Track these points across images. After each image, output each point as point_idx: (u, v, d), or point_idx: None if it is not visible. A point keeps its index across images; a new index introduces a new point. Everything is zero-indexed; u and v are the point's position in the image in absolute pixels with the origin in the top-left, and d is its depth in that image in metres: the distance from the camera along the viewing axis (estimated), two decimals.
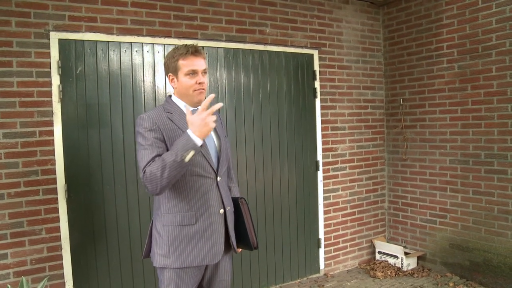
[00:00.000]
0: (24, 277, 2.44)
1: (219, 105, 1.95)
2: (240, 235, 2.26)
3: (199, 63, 2.08)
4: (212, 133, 2.20)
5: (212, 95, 1.95)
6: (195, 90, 2.09)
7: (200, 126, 1.88)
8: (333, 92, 4.54)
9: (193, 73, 2.07)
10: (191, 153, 1.87)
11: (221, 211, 2.14)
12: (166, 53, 3.53)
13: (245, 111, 3.97)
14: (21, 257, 3.06)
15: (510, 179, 3.81)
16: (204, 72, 2.11)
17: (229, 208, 2.21)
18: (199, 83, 2.08)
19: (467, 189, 4.16)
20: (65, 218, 3.20)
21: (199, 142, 1.89)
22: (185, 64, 2.06)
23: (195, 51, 2.08)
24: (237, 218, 2.27)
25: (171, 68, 2.12)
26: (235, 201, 2.28)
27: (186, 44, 2.11)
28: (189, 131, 1.90)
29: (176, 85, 2.14)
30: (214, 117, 1.93)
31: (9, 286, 2.41)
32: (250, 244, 2.24)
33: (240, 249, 2.34)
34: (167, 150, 2.00)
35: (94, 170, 3.31)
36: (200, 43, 3.70)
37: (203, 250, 2.07)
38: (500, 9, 3.78)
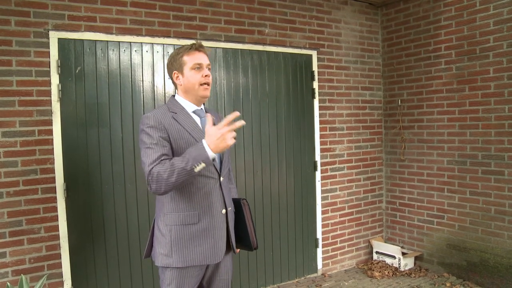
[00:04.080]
0: (23, 275, 2.45)
1: (241, 122, 1.92)
2: (240, 235, 2.27)
3: (204, 58, 2.13)
4: None
5: (237, 113, 1.92)
6: (201, 85, 2.10)
7: (218, 140, 1.86)
8: (331, 93, 4.55)
9: (199, 67, 2.10)
10: (202, 165, 1.86)
11: (223, 211, 2.15)
12: (165, 53, 3.55)
13: (243, 111, 3.98)
14: (19, 256, 3.06)
15: (507, 180, 3.83)
16: (209, 66, 2.15)
17: (230, 208, 2.22)
18: (205, 75, 2.10)
19: (464, 189, 4.18)
20: (64, 217, 3.21)
21: (212, 155, 1.87)
22: (190, 58, 2.10)
23: (199, 47, 2.13)
24: (239, 218, 2.27)
25: (175, 65, 2.14)
26: (237, 202, 2.29)
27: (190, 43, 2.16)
28: (204, 142, 1.88)
29: (181, 82, 2.14)
30: (234, 134, 1.90)
31: (8, 284, 2.41)
32: (251, 245, 2.25)
33: (239, 250, 2.36)
34: (172, 150, 2.01)
35: (93, 170, 3.32)
36: None
37: (205, 250, 2.07)
38: (497, 11, 3.80)
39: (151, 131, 1.99)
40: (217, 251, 2.11)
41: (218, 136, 1.86)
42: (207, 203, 2.08)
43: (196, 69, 2.10)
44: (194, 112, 2.17)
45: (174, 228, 2.05)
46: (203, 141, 1.89)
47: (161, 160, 1.92)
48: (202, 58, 2.12)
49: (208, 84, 2.13)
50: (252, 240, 2.25)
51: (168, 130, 2.01)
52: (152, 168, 1.90)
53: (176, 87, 2.22)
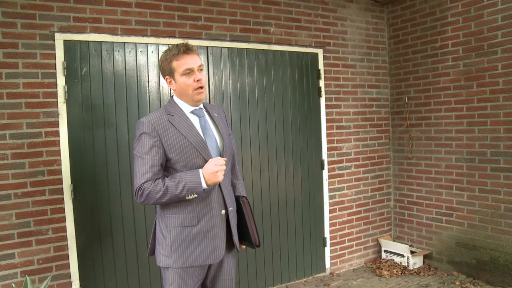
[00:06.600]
0: (28, 276, 2.46)
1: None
2: (242, 233, 2.27)
3: (193, 61, 2.07)
4: (215, 132, 2.19)
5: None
6: (195, 90, 2.08)
7: (212, 174, 1.98)
8: (337, 91, 4.53)
9: (189, 71, 2.07)
10: (194, 196, 1.98)
11: (223, 212, 2.15)
12: None
13: (249, 111, 3.97)
14: (28, 257, 3.09)
15: None
16: (200, 68, 2.10)
17: (232, 208, 2.21)
18: (197, 80, 2.07)
19: (473, 187, 4.14)
20: (71, 218, 3.23)
21: (205, 187, 1.99)
22: (179, 64, 2.06)
23: (186, 50, 2.06)
24: (239, 217, 2.27)
25: (166, 71, 2.12)
26: (237, 200, 2.28)
27: (177, 44, 2.09)
28: (201, 173, 1.98)
29: (174, 87, 2.13)
30: (224, 169, 2.03)
31: (13, 285, 2.43)
32: (252, 242, 2.25)
33: (244, 246, 2.35)
34: (165, 155, 2.03)
35: (100, 170, 3.33)
36: (205, 43, 3.71)
37: (205, 250, 2.09)
38: (505, 6, 3.75)
39: (144, 138, 2.02)
40: (217, 252, 2.12)
41: (213, 171, 1.98)
42: (206, 205, 2.09)
43: (187, 75, 2.07)
44: (192, 112, 2.16)
45: (174, 230, 2.07)
46: (200, 171, 1.99)
47: (153, 173, 1.99)
48: (191, 62, 2.06)
49: (202, 87, 2.10)
50: (253, 237, 2.24)
51: (162, 136, 2.02)
52: (144, 184, 1.97)
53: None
